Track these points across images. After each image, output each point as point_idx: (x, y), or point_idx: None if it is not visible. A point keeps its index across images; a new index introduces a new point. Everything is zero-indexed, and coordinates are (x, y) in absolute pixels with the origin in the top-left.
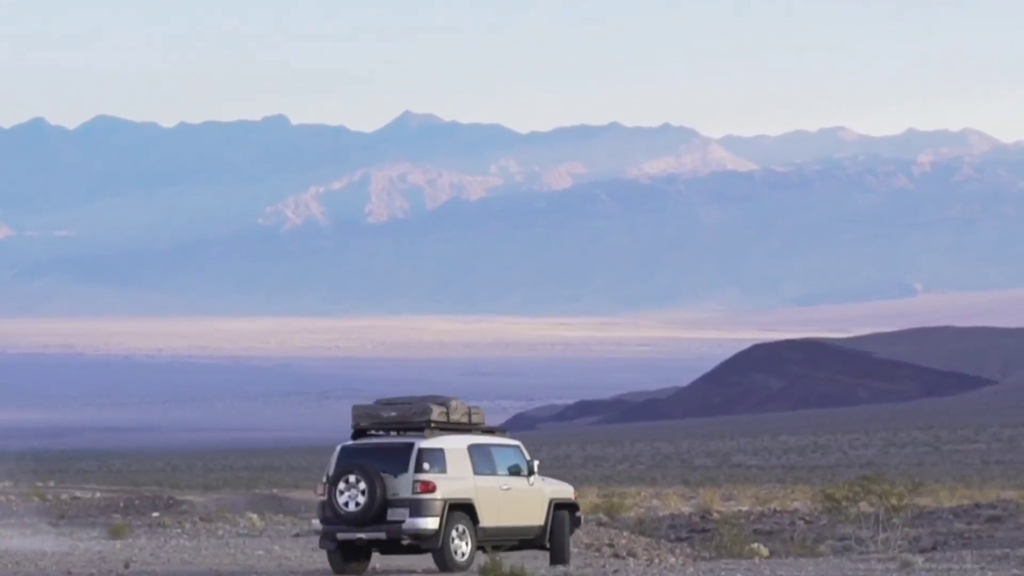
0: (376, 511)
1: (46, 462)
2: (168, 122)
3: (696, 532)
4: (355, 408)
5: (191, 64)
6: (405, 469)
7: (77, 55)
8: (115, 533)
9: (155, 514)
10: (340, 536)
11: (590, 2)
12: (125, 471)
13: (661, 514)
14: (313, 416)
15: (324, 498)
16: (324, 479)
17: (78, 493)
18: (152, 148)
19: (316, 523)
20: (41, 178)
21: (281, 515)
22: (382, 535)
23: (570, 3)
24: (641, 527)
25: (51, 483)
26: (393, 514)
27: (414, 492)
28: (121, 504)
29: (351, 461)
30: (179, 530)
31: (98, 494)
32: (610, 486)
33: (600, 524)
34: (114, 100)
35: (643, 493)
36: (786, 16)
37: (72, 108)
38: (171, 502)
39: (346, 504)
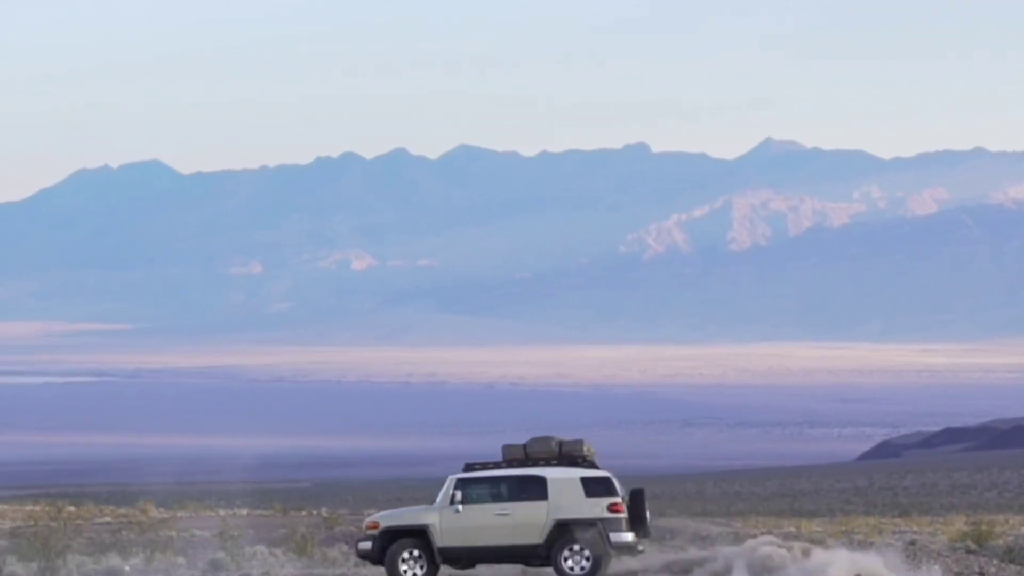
0: None
1: (410, 490)
2: (529, 151)
3: None
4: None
5: (553, 93)
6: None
7: (441, 84)
8: None
9: None
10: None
11: (951, 26)
12: None
13: None
14: (676, 444)
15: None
16: (624, 497)
17: None
18: (513, 177)
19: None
20: (403, 208)
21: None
22: None
23: (932, 28)
24: (1010, 555)
25: None
26: None
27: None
28: None
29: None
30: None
31: None
32: (978, 514)
33: (969, 552)
34: (476, 129)
35: (1011, 521)
36: None
37: (434, 138)
38: None
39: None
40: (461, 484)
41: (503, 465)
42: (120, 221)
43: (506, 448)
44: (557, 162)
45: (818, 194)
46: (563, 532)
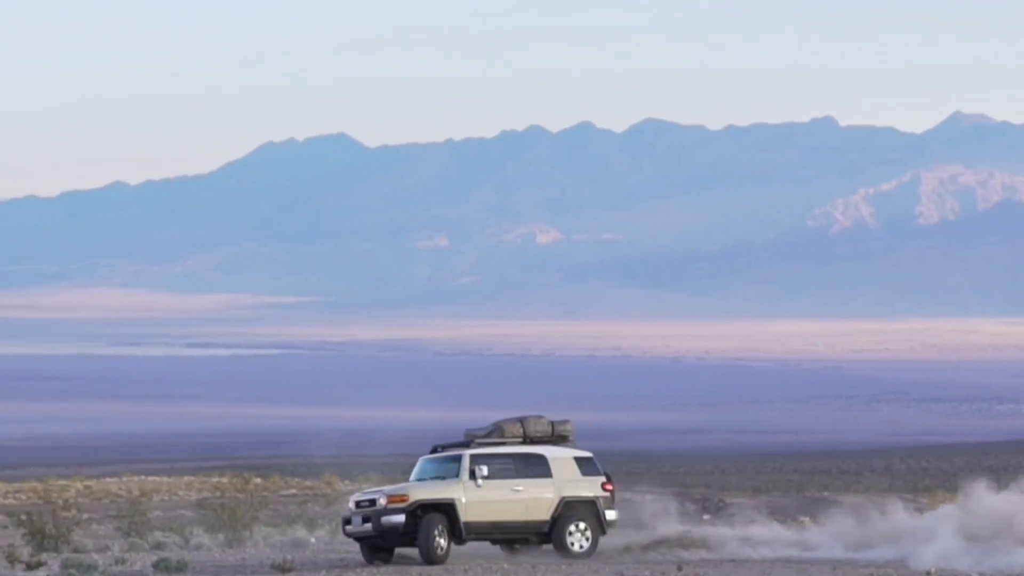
0: None
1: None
2: (715, 124)
3: None
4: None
5: (738, 67)
6: None
7: (625, 57)
8: None
9: (705, 517)
10: None
11: None
12: (674, 473)
13: None
14: (862, 419)
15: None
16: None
17: (627, 495)
18: (699, 151)
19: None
20: (588, 182)
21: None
22: None
23: None
24: None
25: None
26: None
27: None
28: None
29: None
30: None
31: (648, 496)
32: None
33: None
34: (661, 103)
35: None
36: None
37: (619, 111)
38: (720, 505)
39: None
40: (476, 460)
41: (467, 444)
42: (306, 194)
43: (506, 424)
44: (743, 135)
45: (1008, 168)
46: (567, 510)
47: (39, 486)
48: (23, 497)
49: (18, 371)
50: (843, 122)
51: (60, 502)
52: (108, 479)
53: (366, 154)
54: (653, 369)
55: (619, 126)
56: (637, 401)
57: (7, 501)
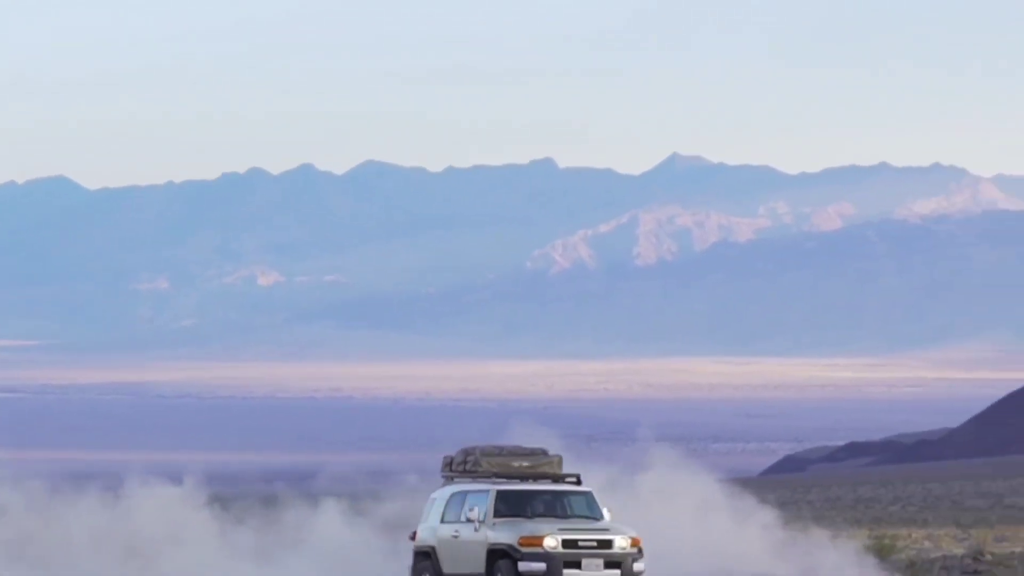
0: None
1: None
2: (436, 166)
3: (968, 574)
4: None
5: (457, 108)
6: None
7: (344, 100)
8: None
9: None
10: None
11: (856, 43)
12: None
13: (933, 555)
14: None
15: None
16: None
17: None
18: (420, 193)
19: None
20: (310, 224)
21: None
22: None
23: (837, 44)
24: (913, 569)
25: None
26: None
27: None
28: None
29: None
30: None
31: None
32: (881, 527)
33: (872, 567)
34: (381, 145)
35: (914, 535)
36: None
37: (340, 153)
38: None
39: None
40: None
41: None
42: (26, 237)
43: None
44: (464, 178)
45: (724, 209)
46: None
47: None
48: None
49: None
50: (562, 164)
51: None
52: None
53: (87, 196)
54: (374, 410)
55: (340, 168)
56: (359, 442)
57: None
